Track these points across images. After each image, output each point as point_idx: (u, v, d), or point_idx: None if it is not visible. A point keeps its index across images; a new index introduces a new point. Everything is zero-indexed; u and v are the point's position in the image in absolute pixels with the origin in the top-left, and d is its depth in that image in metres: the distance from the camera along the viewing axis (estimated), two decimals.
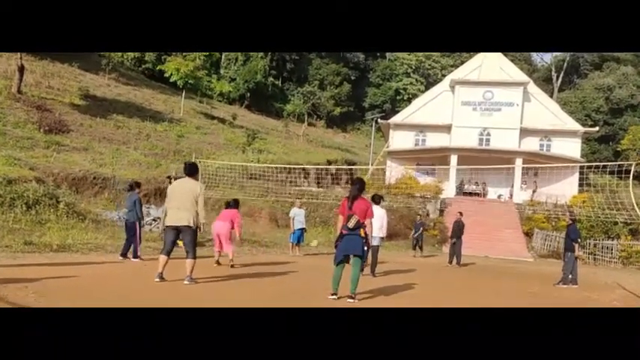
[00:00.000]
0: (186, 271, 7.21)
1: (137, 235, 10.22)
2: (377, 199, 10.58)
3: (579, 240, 11.50)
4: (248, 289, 7.76)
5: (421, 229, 18.41)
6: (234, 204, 10.91)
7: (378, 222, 10.34)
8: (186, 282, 7.18)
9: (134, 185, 10.98)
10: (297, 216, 14.51)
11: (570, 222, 11.82)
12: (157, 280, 7.13)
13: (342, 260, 6.74)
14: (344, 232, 6.71)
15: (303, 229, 14.64)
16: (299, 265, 11.46)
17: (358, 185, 6.90)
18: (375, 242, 10.43)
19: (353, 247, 6.64)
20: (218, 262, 10.27)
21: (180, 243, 7.66)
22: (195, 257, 7.23)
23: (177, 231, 7.16)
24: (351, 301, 6.60)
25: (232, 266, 10.11)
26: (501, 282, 11.74)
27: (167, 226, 7.30)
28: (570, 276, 11.28)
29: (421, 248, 18.37)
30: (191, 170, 7.44)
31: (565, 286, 11.13)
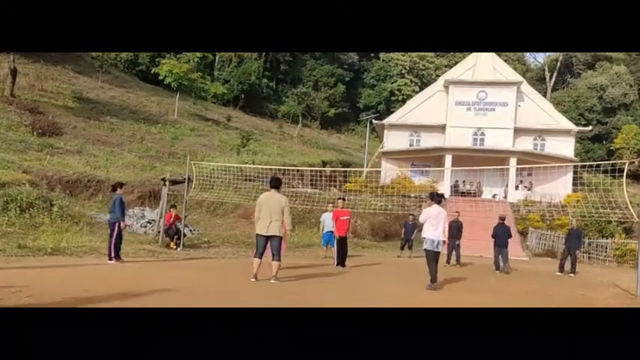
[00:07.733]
0: (273, 271, 8.13)
1: (113, 235, 10.01)
2: (436, 198, 9.14)
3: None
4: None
5: (413, 230, 18.41)
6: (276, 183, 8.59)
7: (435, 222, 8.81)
8: (272, 281, 8.05)
9: (117, 186, 10.86)
10: (327, 219, 14.51)
11: (501, 222, 14.33)
12: (253, 280, 7.99)
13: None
14: None
15: (332, 232, 14.60)
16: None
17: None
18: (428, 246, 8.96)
19: None
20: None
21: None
22: (280, 260, 8.21)
23: (267, 238, 8.06)
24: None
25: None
26: (496, 281, 11.77)
27: (258, 234, 8.18)
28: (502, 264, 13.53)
29: (410, 248, 18.43)
30: (276, 184, 8.38)
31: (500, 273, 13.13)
